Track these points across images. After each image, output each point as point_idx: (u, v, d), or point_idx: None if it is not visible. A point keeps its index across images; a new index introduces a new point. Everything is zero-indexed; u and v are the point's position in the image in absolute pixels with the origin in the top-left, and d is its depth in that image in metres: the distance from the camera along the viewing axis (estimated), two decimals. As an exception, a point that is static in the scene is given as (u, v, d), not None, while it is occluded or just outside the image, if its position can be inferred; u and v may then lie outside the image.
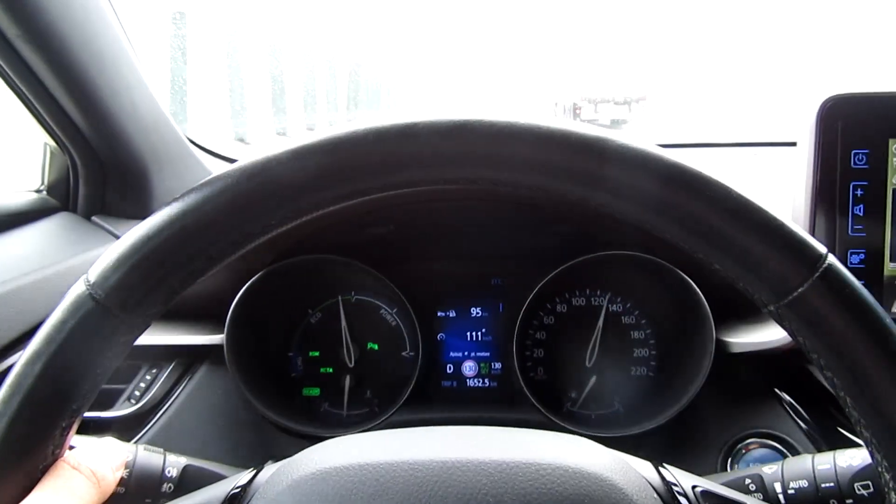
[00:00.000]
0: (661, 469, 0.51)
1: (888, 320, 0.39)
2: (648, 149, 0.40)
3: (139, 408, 0.93)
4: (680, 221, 0.40)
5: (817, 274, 0.38)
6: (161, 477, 0.64)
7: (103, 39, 0.97)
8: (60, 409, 0.42)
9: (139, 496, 0.63)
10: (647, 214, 0.41)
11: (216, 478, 0.66)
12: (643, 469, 0.50)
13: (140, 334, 0.43)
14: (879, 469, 0.40)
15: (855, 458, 0.60)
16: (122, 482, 0.63)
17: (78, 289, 0.41)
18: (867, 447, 0.40)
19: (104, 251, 0.42)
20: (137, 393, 0.94)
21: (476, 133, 0.40)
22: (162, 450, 0.67)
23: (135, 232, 0.41)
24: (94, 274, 0.41)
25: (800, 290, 0.38)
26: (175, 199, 0.41)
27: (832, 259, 0.39)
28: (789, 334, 0.40)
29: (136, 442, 0.86)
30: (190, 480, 0.65)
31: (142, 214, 1.05)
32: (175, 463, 0.66)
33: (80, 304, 0.41)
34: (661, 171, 0.39)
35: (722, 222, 0.39)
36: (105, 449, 0.53)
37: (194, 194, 0.41)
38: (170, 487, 0.65)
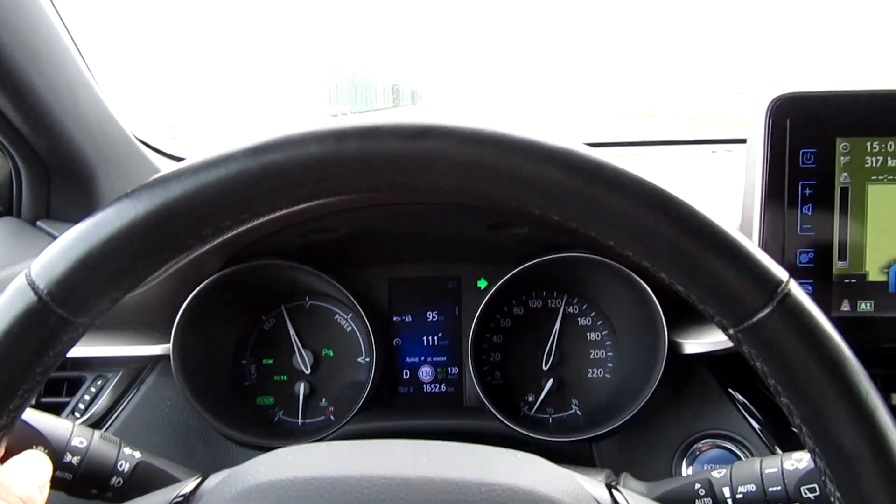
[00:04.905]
0: (613, 491, 0.50)
1: (846, 351, 0.38)
2: (615, 164, 0.39)
3: (84, 421, 0.90)
4: (643, 239, 0.39)
5: (776, 300, 0.37)
6: (112, 469, 0.63)
7: (40, 35, 0.94)
8: None
9: (86, 485, 0.62)
10: (611, 231, 0.39)
11: (168, 478, 0.65)
12: (595, 490, 0.49)
13: (84, 333, 0.41)
14: (832, 500, 0.39)
15: (801, 461, 0.60)
16: (70, 468, 0.61)
17: (18, 282, 0.39)
18: (821, 476, 0.39)
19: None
20: (82, 406, 0.91)
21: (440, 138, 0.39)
22: (118, 440, 0.65)
23: (82, 224, 0.39)
24: (36, 267, 0.39)
25: (758, 317, 0.37)
26: (126, 195, 0.39)
27: (793, 285, 0.38)
28: (747, 358, 0.39)
29: None
30: (140, 478, 0.64)
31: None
32: (128, 457, 0.64)
33: (21, 298, 0.38)
34: (625, 188, 0.38)
35: (684, 243, 0.38)
36: (29, 465, 0.51)
37: (146, 190, 0.39)
38: (119, 482, 0.63)
